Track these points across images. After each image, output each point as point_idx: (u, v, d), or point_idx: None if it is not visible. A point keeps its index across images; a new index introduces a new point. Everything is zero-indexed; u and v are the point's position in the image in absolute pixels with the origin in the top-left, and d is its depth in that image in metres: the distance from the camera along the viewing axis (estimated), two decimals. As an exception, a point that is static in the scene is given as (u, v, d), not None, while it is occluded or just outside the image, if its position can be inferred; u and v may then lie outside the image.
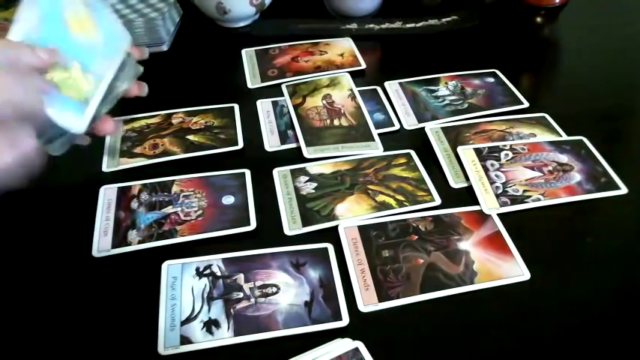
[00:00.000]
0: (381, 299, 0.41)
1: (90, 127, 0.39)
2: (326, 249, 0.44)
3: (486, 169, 0.51)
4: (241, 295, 0.41)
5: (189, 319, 0.39)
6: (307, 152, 0.53)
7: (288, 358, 0.37)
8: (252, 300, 0.41)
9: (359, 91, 0.62)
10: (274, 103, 0.61)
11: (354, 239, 0.45)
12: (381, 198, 0.49)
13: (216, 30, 0.75)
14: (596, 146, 0.54)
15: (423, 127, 0.57)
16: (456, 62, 0.67)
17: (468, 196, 0.49)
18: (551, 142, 0.54)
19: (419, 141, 0.56)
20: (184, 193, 0.49)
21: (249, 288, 0.41)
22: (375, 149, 0.54)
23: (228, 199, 0.49)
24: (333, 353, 0.37)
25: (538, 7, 0.80)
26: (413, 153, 0.54)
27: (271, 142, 0.56)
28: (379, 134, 0.56)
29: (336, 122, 0.58)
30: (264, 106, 0.60)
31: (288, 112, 0.59)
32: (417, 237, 0.45)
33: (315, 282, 0.42)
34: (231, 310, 0.40)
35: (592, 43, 0.73)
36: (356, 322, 0.40)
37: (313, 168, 0.52)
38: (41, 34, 0.36)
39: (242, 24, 0.75)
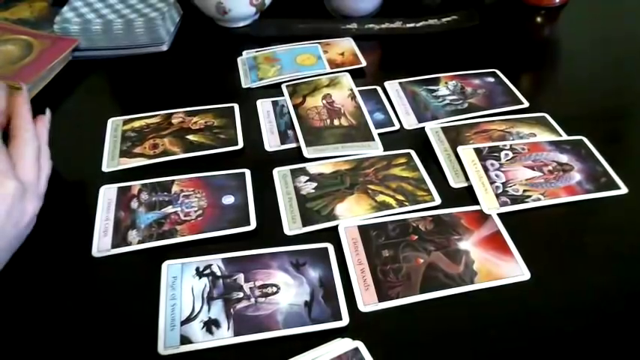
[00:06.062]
0: (381, 299, 0.41)
1: None
2: (326, 249, 0.44)
3: (486, 169, 0.51)
4: (241, 295, 0.41)
5: (189, 319, 0.39)
6: (307, 152, 0.53)
7: (288, 358, 0.37)
8: (252, 300, 0.41)
9: (359, 90, 0.62)
10: (274, 103, 0.61)
11: (354, 239, 0.45)
12: (381, 198, 0.49)
13: (216, 30, 0.75)
14: (596, 146, 0.54)
15: (423, 127, 0.57)
16: (456, 62, 0.67)
17: (468, 195, 0.49)
18: (551, 142, 0.54)
19: (419, 141, 0.56)
20: (184, 193, 0.49)
21: (249, 288, 0.41)
22: (375, 149, 0.54)
23: (228, 199, 0.49)
24: (333, 353, 0.37)
25: (538, 7, 0.80)
26: (413, 153, 0.54)
27: (271, 142, 0.56)
28: (379, 134, 0.56)
29: (336, 122, 0.58)
30: (264, 106, 0.60)
31: (288, 111, 0.59)
32: (417, 237, 0.45)
33: (315, 282, 0.42)
34: (231, 310, 0.40)
35: (592, 43, 0.73)
36: (356, 322, 0.40)
37: (313, 168, 0.52)
38: None
39: (242, 24, 0.75)
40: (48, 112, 0.48)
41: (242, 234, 0.46)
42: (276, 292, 0.41)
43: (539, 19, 0.79)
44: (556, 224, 0.48)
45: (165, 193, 0.49)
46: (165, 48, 0.70)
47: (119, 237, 0.45)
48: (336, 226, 0.46)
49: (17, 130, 0.43)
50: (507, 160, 0.52)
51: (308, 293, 0.41)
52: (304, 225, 0.46)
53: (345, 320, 0.39)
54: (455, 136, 0.55)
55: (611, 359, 0.38)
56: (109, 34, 0.68)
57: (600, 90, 0.64)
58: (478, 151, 0.53)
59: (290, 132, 0.57)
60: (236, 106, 0.60)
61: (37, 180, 0.43)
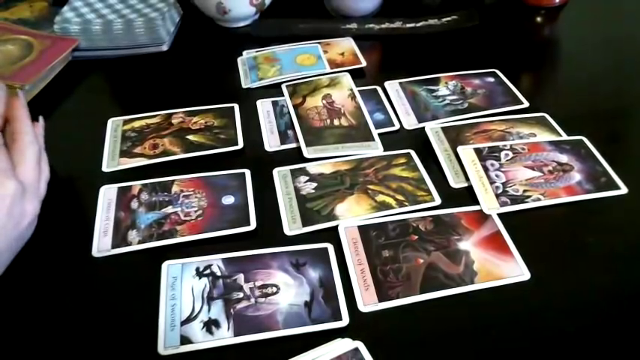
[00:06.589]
0: (381, 299, 0.41)
1: None
2: (326, 249, 0.44)
3: (486, 169, 0.51)
4: (241, 295, 0.41)
5: (189, 319, 0.39)
6: (307, 152, 0.53)
7: (288, 358, 0.37)
8: (252, 300, 0.41)
9: (359, 91, 0.62)
10: (274, 103, 0.61)
11: (354, 239, 0.45)
12: (381, 198, 0.49)
13: (216, 30, 0.75)
14: (596, 146, 0.54)
15: (423, 127, 0.57)
16: (456, 62, 0.67)
17: (468, 196, 0.49)
18: (551, 142, 0.54)
19: (419, 141, 0.56)
20: (184, 193, 0.49)
21: (249, 288, 0.41)
22: (375, 149, 0.54)
23: (228, 199, 0.49)
24: (333, 353, 0.37)
25: (538, 7, 0.80)
26: (413, 153, 0.54)
27: (271, 142, 0.56)
28: (379, 134, 0.56)
29: (336, 122, 0.58)
30: (264, 106, 0.60)
31: (288, 112, 0.59)
32: (417, 237, 0.45)
33: (315, 282, 0.42)
34: (231, 310, 0.40)
35: (592, 44, 0.73)
36: (356, 322, 0.40)
37: (313, 168, 0.52)
38: None
39: (242, 24, 0.75)
40: (41, 119, 0.48)
41: (242, 234, 0.46)
42: (276, 293, 0.41)
43: (539, 19, 0.79)
44: (556, 224, 0.48)
45: (166, 193, 0.49)
46: (165, 48, 0.70)
47: (119, 237, 0.45)
48: (336, 227, 0.46)
49: (17, 134, 0.43)
50: (507, 160, 0.52)
51: (308, 293, 0.41)
52: (304, 225, 0.46)
53: (345, 320, 0.39)
54: (455, 136, 0.55)
55: (612, 359, 0.38)
56: (109, 34, 0.68)
57: (600, 90, 0.64)
58: (478, 151, 0.53)
59: (290, 132, 0.57)
60: (236, 106, 0.60)
61: (38, 182, 0.43)
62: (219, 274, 0.42)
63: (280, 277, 0.42)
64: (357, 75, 0.65)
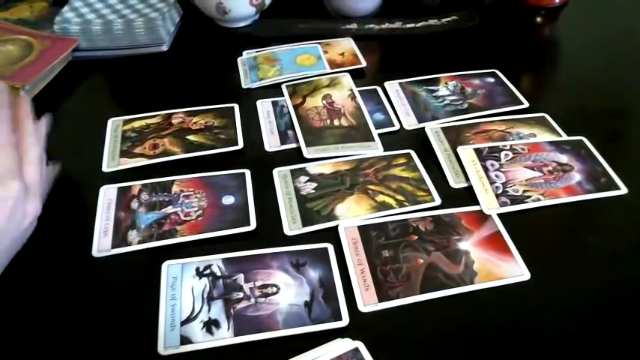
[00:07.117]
0: (381, 299, 0.41)
1: None
2: (326, 249, 0.44)
3: (486, 169, 0.51)
4: (241, 295, 0.41)
5: (189, 319, 0.39)
6: (307, 152, 0.53)
7: (288, 358, 0.37)
8: (252, 300, 0.41)
9: (359, 91, 0.62)
10: (274, 103, 0.61)
11: (354, 239, 0.45)
12: (381, 198, 0.49)
13: (216, 30, 0.75)
14: (596, 146, 0.54)
15: (423, 127, 0.57)
16: (456, 62, 0.67)
17: (468, 196, 0.49)
18: (551, 142, 0.54)
19: (419, 141, 0.56)
20: (184, 193, 0.49)
21: (249, 288, 0.41)
22: (375, 149, 0.54)
23: (228, 199, 0.49)
24: (333, 353, 0.37)
25: (538, 7, 0.80)
26: (413, 153, 0.54)
27: (271, 142, 0.56)
28: (379, 134, 0.56)
29: (336, 122, 0.58)
30: (264, 106, 0.60)
31: (288, 112, 0.59)
32: (417, 237, 0.45)
33: (315, 282, 0.42)
34: (231, 310, 0.40)
35: (592, 43, 0.73)
36: (356, 322, 0.40)
37: (313, 168, 0.52)
38: None
39: (242, 24, 0.75)
40: (47, 117, 0.47)
41: (242, 234, 0.46)
42: (276, 293, 0.41)
43: (539, 19, 0.79)
44: (556, 224, 0.48)
45: (166, 194, 0.49)
46: (165, 48, 0.70)
47: (119, 237, 0.45)
48: (336, 227, 0.46)
49: (20, 135, 0.43)
50: (507, 161, 0.52)
51: (308, 293, 0.41)
52: (304, 225, 0.46)
53: (345, 320, 0.39)
54: (455, 137, 0.55)
55: (612, 359, 0.38)
56: (109, 34, 0.68)
57: (600, 90, 0.64)
58: (478, 151, 0.53)
59: (290, 132, 0.57)
60: (236, 107, 0.60)
61: (40, 182, 0.43)
62: (219, 274, 0.42)
63: (280, 277, 0.42)
64: (357, 75, 0.65)
